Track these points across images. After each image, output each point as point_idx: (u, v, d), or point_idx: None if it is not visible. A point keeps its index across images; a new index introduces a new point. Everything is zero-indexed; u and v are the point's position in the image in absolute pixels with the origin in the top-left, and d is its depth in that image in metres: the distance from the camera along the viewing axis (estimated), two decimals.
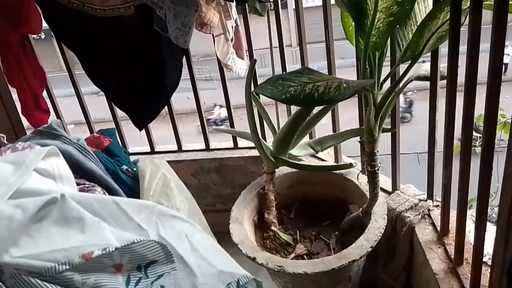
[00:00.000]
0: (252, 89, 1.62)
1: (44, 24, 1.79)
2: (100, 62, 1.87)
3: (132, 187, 1.23)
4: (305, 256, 1.68)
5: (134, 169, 1.27)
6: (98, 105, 3.45)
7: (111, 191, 1.08)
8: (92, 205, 0.80)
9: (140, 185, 1.19)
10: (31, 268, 0.67)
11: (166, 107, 2.13)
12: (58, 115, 2.25)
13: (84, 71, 1.87)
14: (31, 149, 0.96)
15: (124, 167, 1.27)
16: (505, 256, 1.01)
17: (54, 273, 0.67)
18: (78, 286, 0.69)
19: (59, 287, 0.67)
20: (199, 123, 2.29)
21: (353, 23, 1.27)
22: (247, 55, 1.96)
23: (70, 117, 2.77)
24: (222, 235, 0.96)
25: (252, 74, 1.60)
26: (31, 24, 1.74)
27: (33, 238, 0.72)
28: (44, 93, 2.03)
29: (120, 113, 2.28)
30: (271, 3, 1.79)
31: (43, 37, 2.75)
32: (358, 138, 1.56)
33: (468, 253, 1.38)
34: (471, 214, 1.41)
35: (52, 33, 1.80)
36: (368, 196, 1.60)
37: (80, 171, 1.05)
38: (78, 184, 0.98)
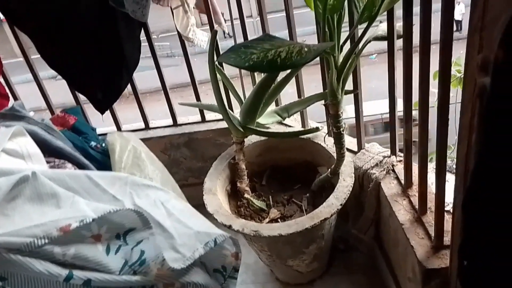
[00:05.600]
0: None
1: None
2: (56, 44, 1.81)
3: (102, 162, 1.22)
4: (279, 220, 1.72)
5: (103, 144, 1.26)
6: (56, 89, 3.34)
7: (82, 167, 1.08)
8: (65, 180, 0.80)
9: (111, 159, 1.19)
10: (10, 245, 0.68)
11: (129, 86, 2.10)
12: None
13: (39, 55, 1.81)
14: None
15: (93, 143, 1.25)
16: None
17: (33, 248, 0.68)
18: (59, 258, 0.71)
19: (41, 261, 0.68)
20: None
21: None
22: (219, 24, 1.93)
23: (28, 104, 2.68)
24: (197, 208, 0.98)
25: (214, 45, 1.59)
26: None
27: (9, 217, 0.72)
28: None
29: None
30: None
31: None
32: (323, 102, 1.60)
33: (431, 202, 1.44)
34: (433, 167, 1.48)
35: (2, 18, 1.73)
36: (335, 157, 1.65)
37: (48, 150, 1.04)
38: (48, 162, 0.98)
